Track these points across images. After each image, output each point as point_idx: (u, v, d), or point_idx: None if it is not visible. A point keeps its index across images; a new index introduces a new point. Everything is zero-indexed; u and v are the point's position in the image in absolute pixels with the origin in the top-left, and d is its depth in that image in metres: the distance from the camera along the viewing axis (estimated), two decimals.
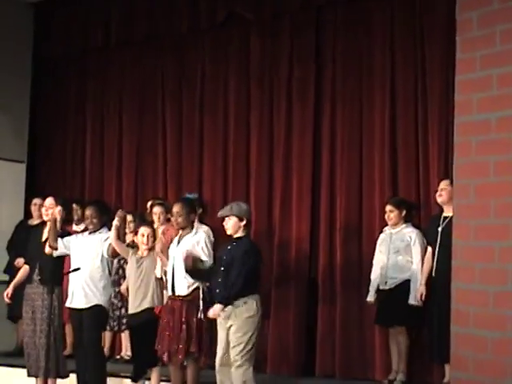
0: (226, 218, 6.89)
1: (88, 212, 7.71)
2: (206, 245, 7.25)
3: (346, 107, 8.57)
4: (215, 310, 6.66)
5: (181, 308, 7.05)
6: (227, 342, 6.70)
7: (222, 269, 6.76)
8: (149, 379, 7.47)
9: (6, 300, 8.16)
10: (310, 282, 8.53)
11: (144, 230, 7.59)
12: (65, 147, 10.82)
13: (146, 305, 7.35)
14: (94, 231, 7.64)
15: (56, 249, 7.67)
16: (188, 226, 7.30)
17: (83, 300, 7.50)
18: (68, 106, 10.85)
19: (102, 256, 7.56)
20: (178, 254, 7.17)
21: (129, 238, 9.10)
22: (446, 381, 6.99)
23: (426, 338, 7.58)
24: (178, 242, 7.29)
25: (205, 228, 8.75)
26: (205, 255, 7.13)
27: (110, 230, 7.53)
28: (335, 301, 8.35)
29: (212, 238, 8.72)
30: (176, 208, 7.31)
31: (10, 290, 8.08)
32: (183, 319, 7.01)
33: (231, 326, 6.66)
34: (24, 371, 8.69)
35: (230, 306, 6.65)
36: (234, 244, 6.84)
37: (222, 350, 6.73)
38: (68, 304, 7.62)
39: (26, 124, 10.84)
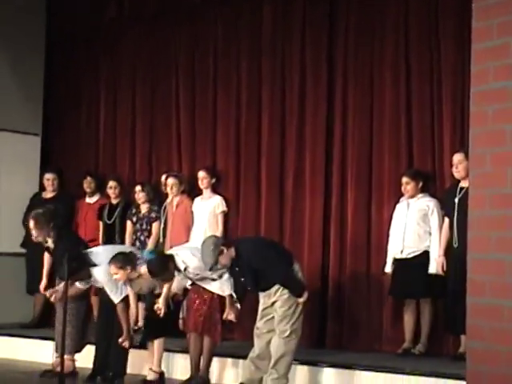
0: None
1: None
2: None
3: (358, 81, 8.51)
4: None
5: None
6: (265, 315, 6.82)
7: (243, 279, 6.81)
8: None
9: (43, 292, 8.23)
10: (323, 258, 8.54)
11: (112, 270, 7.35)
12: (79, 120, 10.83)
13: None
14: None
15: None
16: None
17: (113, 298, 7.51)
18: (81, 79, 10.84)
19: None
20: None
21: (143, 208, 9.17)
22: (461, 351, 6.99)
23: (440, 308, 7.59)
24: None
25: (218, 197, 8.86)
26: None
27: None
28: (345, 274, 8.36)
29: (225, 208, 8.83)
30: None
31: (44, 282, 8.19)
32: (215, 297, 7.16)
33: (275, 301, 6.74)
34: (40, 342, 8.84)
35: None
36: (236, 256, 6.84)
37: (260, 319, 6.87)
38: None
39: (41, 97, 10.85)
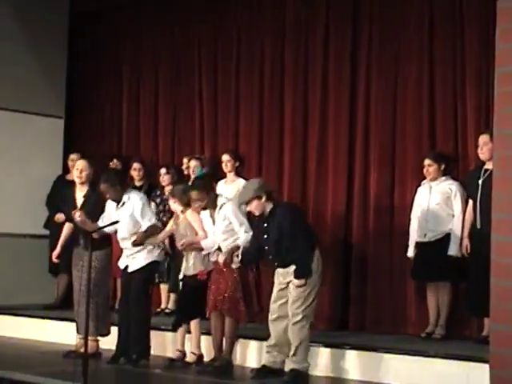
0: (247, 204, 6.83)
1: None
2: None
3: (381, 63, 8.48)
4: (300, 283, 6.64)
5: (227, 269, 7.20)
6: (280, 298, 6.80)
7: (266, 236, 6.76)
8: (189, 332, 7.56)
9: (55, 260, 8.26)
10: (345, 240, 8.53)
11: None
12: (102, 103, 10.87)
13: (191, 271, 7.46)
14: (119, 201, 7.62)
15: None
16: (211, 204, 7.25)
17: (133, 264, 7.57)
18: (105, 61, 10.88)
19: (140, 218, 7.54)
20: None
21: (167, 190, 9.20)
22: (485, 334, 6.96)
23: (463, 291, 7.56)
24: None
25: (242, 180, 8.87)
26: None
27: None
28: (368, 257, 8.36)
29: None
30: (194, 195, 7.26)
31: (57, 250, 8.17)
32: (235, 276, 7.17)
33: (290, 281, 6.71)
34: (63, 323, 8.87)
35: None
36: (269, 214, 6.79)
37: (275, 302, 6.85)
38: (121, 265, 7.70)
39: (64, 80, 10.90)
